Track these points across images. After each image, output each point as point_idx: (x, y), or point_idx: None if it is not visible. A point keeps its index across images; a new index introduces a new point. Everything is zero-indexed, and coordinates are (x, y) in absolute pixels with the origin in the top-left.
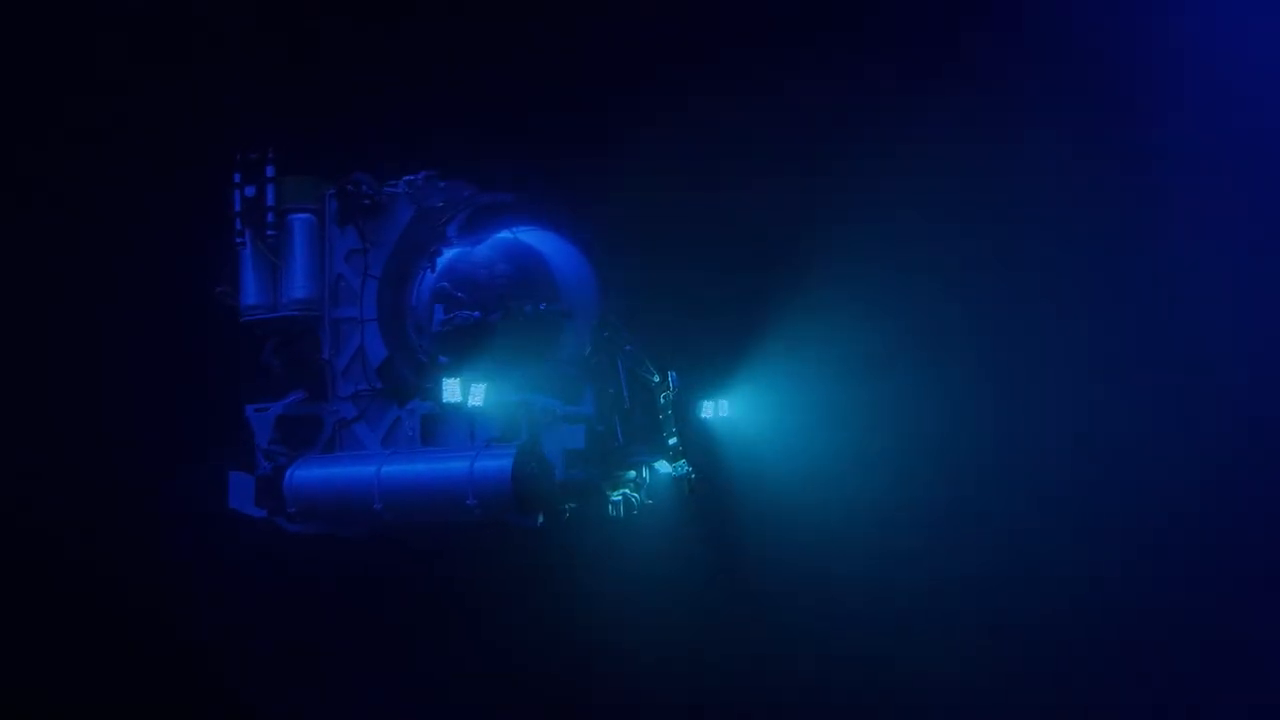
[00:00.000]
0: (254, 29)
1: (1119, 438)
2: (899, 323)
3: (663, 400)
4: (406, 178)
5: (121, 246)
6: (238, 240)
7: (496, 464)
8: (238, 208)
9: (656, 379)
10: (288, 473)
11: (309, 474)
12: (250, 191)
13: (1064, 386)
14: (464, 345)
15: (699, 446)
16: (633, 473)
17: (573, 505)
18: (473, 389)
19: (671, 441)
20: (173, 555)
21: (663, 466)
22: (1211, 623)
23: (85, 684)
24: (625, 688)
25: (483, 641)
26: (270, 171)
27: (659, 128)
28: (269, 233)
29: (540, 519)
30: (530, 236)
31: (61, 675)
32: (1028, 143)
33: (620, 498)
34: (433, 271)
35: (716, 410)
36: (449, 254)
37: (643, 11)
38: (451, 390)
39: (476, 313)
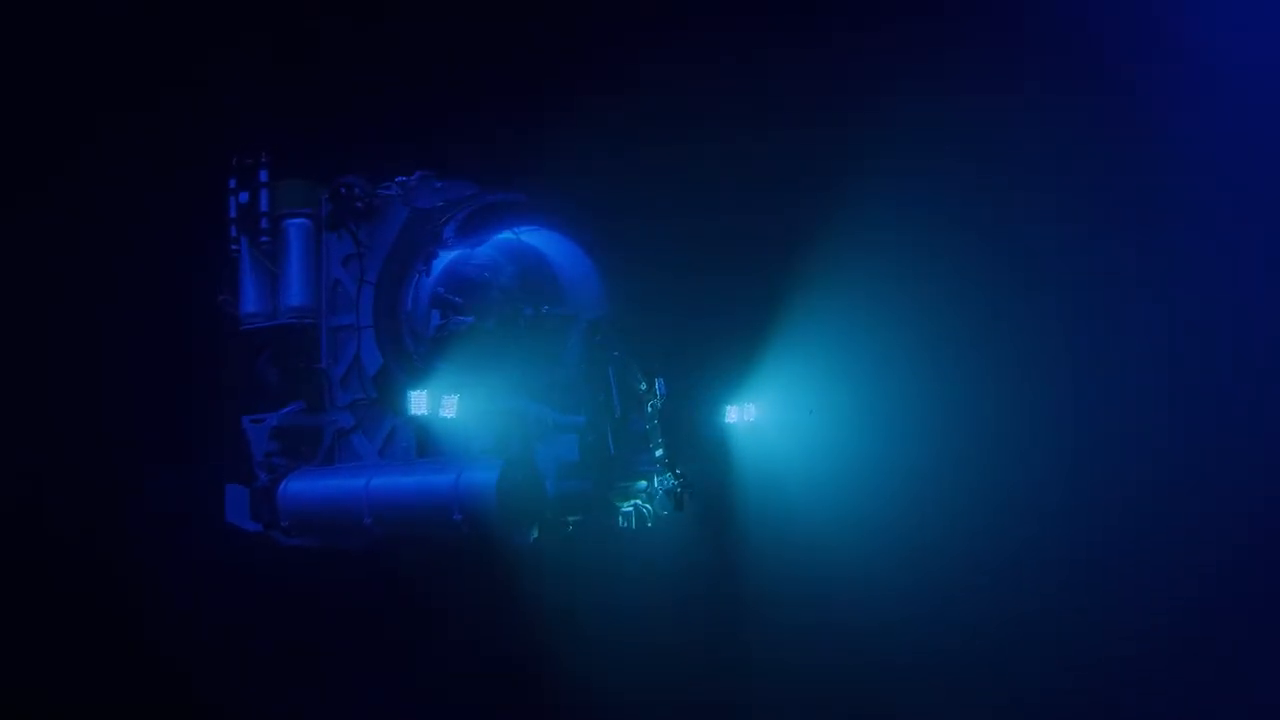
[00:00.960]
0: (254, 29)
1: (1133, 441)
2: (913, 325)
3: (650, 409)
4: (399, 178)
5: (121, 246)
6: (233, 247)
7: (481, 477)
8: (233, 214)
9: (644, 387)
10: (281, 486)
11: (301, 487)
12: (244, 197)
13: (1086, 391)
14: (459, 352)
15: (701, 456)
16: (643, 483)
17: (575, 518)
18: (444, 400)
19: (659, 453)
20: (173, 555)
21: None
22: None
23: (84, 684)
24: (622, 690)
25: (483, 643)
26: (264, 176)
27: (662, 128)
28: (263, 239)
29: (534, 534)
30: (532, 237)
31: (60, 675)
32: (1037, 140)
33: (631, 509)
34: (427, 275)
35: (742, 415)
36: (447, 256)
37: (644, 11)
38: (418, 402)
39: (470, 318)
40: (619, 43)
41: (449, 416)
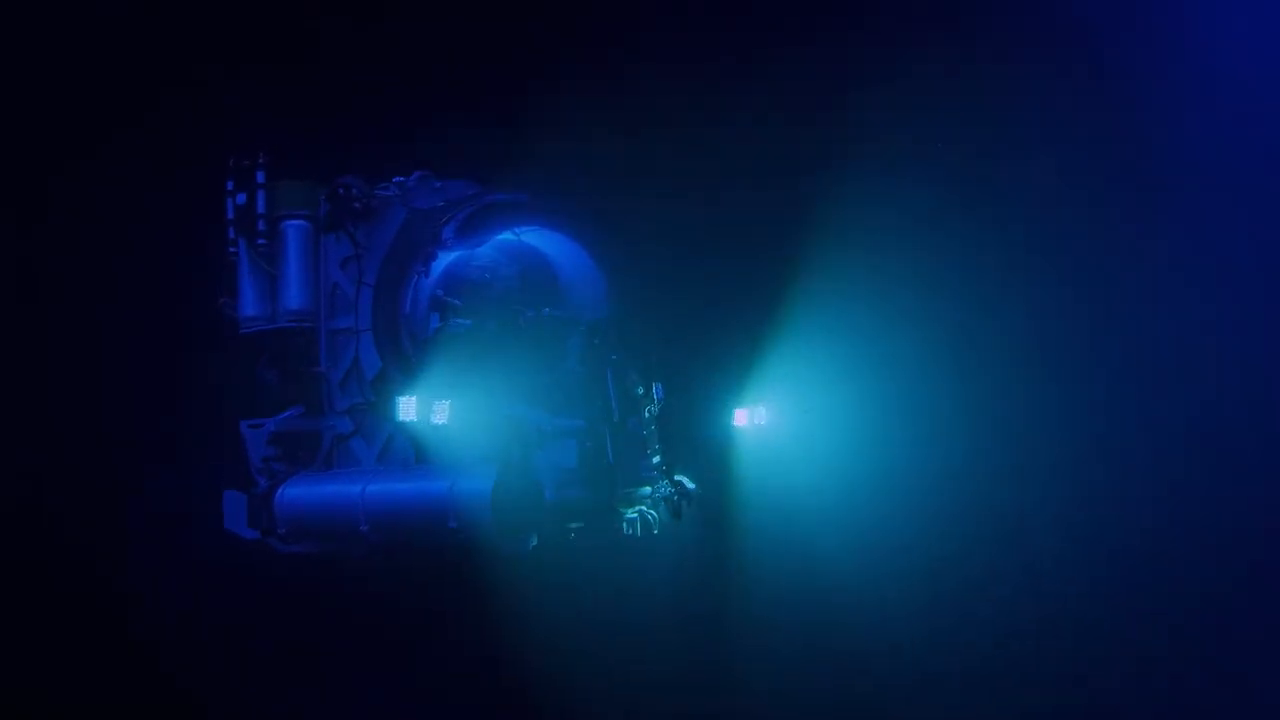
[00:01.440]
0: (253, 29)
1: (1154, 449)
2: (928, 327)
3: (647, 415)
4: (397, 179)
5: (121, 246)
6: (230, 250)
7: (476, 485)
8: (230, 216)
9: (641, 391)
10: (278, 492)
11: (298, 493)
12: (242, 199)
13: (1112, 396)
14: (457, 355)
15: (702, 462)
16: (648, 489)
17: (577, 525)
18: (436, 406)
19: (655, 460)
20: (173, 555)
21: (686, 482)
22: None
23: (84, 684)
24: (619, 693)
25: (483, 645)
26: (261, 177)
27: (664, 127)
28: (260, 241)
29: (533, 542)
30: (533, 237)
31: (60, 675)
32: (1041, 140)
33: (635, 516)
34: (426, 276)
35: (752, 419)
36: (446, 258)
37: (646, 9)
38: (406, 408)
39: (468, 321)
40: (620, 42)
41: (440, 422)
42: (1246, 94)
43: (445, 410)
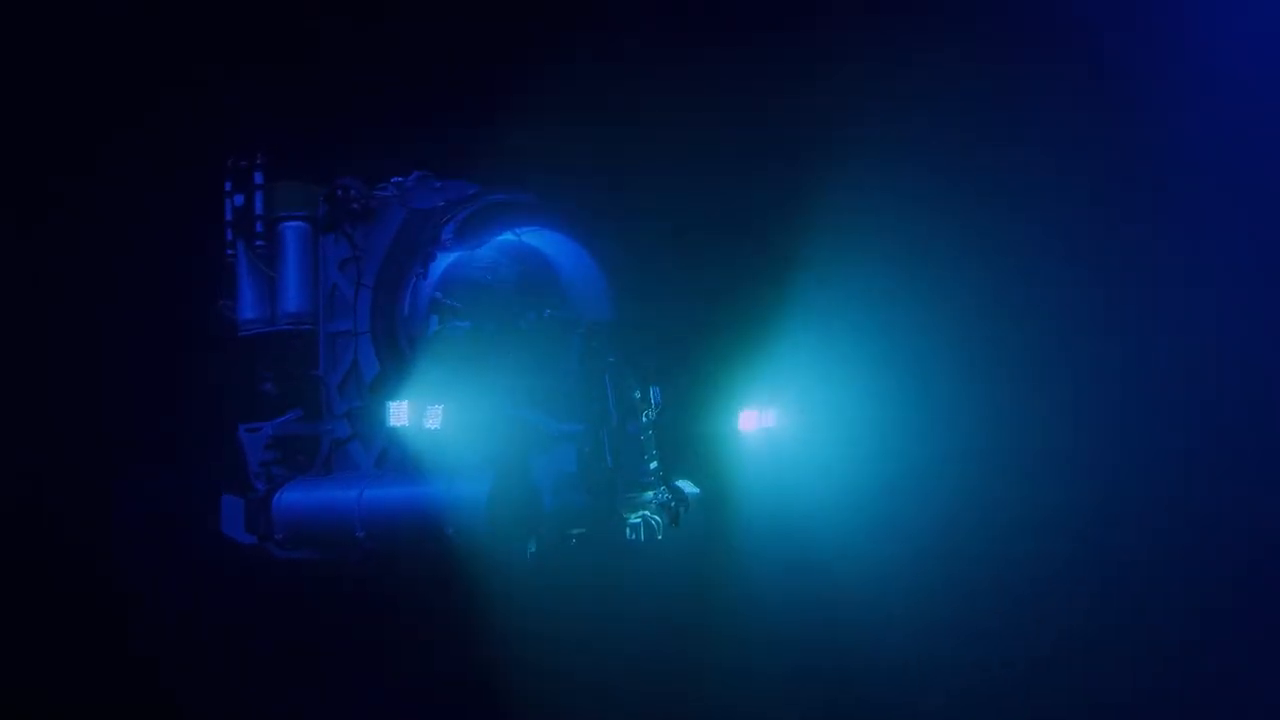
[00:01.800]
0: (253, 28)
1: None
2: (940, 329)
3: (644, 419)
4: (396, 179)
5: (121, 246)
6: (229, 252)
7: (472, 490)
8: (229, 217)
9: (638, 395)
10: (275, 497)
11: (295, 498)
12: (240, 200)
13: (1098, 396)
14: (456, 357)
15: (702, 467)
16: (650, 494)
17: (578, 531)
18: (429, 411)
19: (653, 465)
20: (172, 556)
21: (688, 486)
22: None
23: (82, 684)
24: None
25: (483, 647)
26: (259, 178)
27: (666, 127)
28: (258, 243)
29: (531, 548)
30: (534, 238)
31: (58, 676)
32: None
33: (639, 520)
34: (424, 278)
35: (760, 422)
36: (445, 259)
37: (649, 9)
38: (398, 413)
39: (467, 323)
40: (620, 42)
41: (433, 427)
42: (1246, 94)
43: (437, 415)
